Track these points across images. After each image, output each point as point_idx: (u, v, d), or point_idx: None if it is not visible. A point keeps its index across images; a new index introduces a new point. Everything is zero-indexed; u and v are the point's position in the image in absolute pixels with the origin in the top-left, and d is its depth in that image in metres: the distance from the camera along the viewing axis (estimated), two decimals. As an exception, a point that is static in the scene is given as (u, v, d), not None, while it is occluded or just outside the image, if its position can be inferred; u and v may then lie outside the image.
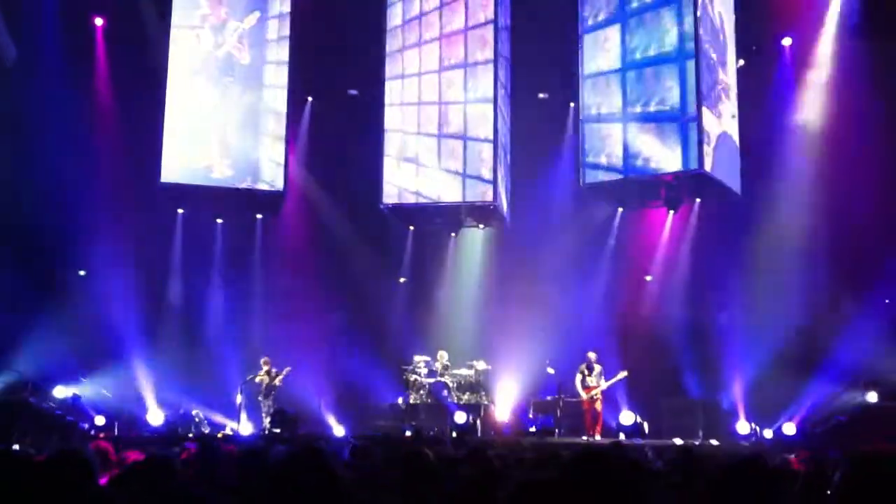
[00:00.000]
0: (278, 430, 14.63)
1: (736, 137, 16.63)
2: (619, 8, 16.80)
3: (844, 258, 15.51)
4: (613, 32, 16.83)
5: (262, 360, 16.34)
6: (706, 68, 15.78)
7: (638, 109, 16.42)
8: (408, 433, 14.56)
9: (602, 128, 16.93)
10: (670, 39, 16.04)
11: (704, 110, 15.53)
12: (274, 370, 16.27)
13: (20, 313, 15.29)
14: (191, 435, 14.37)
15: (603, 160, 16.86)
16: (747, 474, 3.40)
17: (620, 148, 16.61)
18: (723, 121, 16.27)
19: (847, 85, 15.98)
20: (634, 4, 16.57)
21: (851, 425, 13.37)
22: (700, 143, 15.49)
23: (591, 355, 15.64)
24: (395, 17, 18.27)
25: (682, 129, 15.80)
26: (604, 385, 15.44)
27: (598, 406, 15.45)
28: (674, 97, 15.96)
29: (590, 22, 17.22)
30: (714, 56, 16.22)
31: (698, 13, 15.63)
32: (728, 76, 16.69)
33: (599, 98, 16.99)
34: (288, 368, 16.29)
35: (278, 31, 18.04)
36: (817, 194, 15.92)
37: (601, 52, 17.03)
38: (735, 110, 16.71)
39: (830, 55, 16.39)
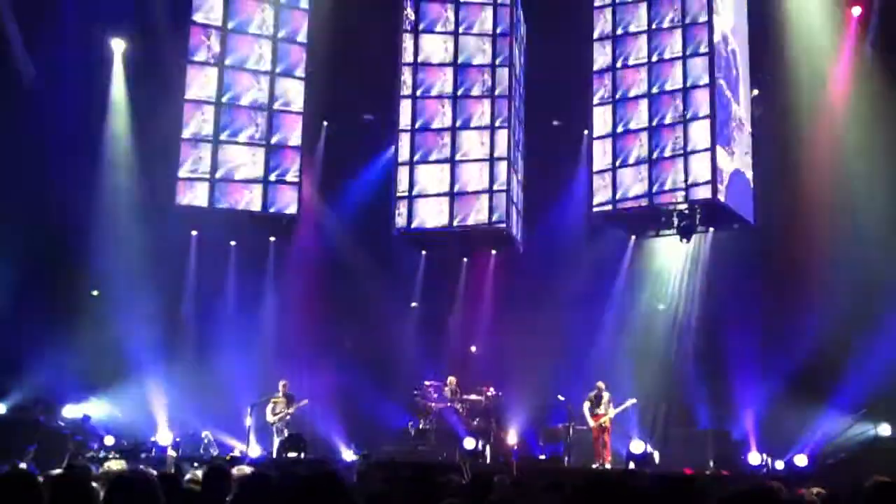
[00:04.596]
0: (291, 455, 14.59)
1: (749, 174, 16.57)
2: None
3: (857, 287, 15.35)
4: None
5: (280, 383, 16.24)
6: (720, 105, 15.79)
7: (648, 137, 16.49)
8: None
9: (611, 155, 16.93)
10: (682, 72, 16.19)
11: (718, 148, 15.55)
12: (291, 394, 16.16)
13: (32, 332, 15.35)
14: (200, 456, 14.37)
15: (615, 188, 16.84)
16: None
17: (632, 176, 16.62)
18: (735, 158, 16.24)
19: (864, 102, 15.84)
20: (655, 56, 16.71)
21: (864, 457, 13.22)
22: (714, 172, 15.50)
23: (601, 384, 15.52)
24: (410, 42, 18.32)
25: (694, 160, 15.85)
26: (612, 412, 15.32)
27: (608, 435, 15.33)
28: (686, 128, 16.03)
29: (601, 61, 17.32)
30: (728, 93, 16.22)
31: (714, 48, 15.72)
32: (742, 110, 16.65)
33: (611, 125, 17.02)
34: (305, 401, 16.18)
35: (296, 55, 18.14)
36: (831, 221, 15.80)
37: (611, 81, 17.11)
38: (748, 147, 16.66)
39: (847, 76, 16.27)
